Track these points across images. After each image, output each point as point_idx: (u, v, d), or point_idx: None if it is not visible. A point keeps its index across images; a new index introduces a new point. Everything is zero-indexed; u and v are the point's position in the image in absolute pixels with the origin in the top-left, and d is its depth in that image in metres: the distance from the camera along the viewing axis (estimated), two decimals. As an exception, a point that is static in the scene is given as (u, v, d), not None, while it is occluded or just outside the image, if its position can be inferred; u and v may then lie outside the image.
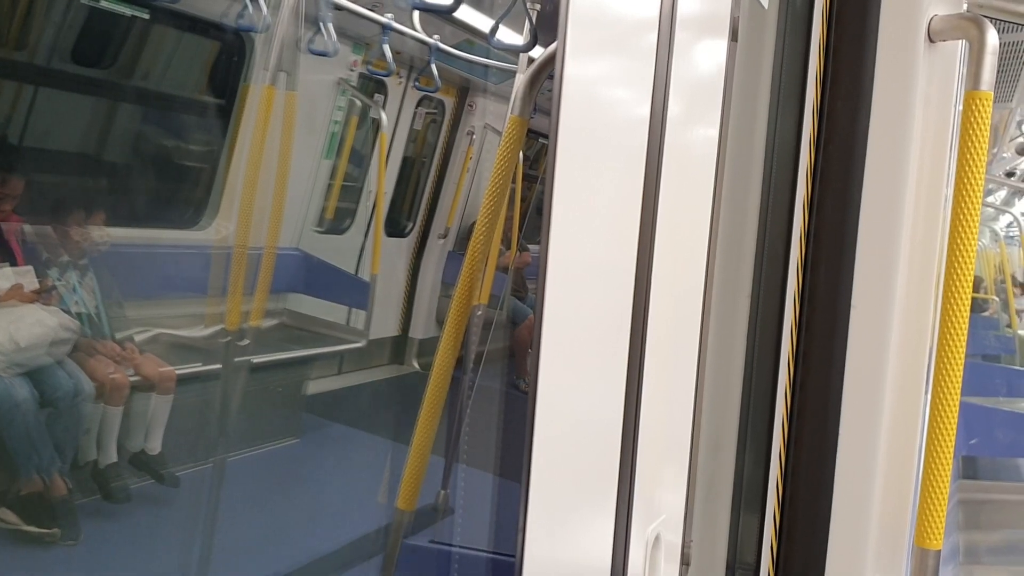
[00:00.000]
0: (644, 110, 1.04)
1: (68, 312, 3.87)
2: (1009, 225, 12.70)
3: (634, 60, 1.03)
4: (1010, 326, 9.70)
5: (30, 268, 3.81)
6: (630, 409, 1.04)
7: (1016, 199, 11.39)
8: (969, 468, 6.15)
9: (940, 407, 1.59)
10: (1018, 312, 9.86)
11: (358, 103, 6.16)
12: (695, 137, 1.27)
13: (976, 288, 10.78)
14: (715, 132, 1.34)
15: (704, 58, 1.26)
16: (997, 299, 10.83)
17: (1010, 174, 9.25)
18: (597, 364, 1.01)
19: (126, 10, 4.35)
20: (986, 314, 10.46)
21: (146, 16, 4.44)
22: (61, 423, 3.64)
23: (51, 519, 3.52)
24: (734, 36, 1.42)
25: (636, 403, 1.04)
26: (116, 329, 4.16)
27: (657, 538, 1.17)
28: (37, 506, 3.51)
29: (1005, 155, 7.94)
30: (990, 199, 10.64)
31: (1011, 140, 7.26)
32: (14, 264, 3.78)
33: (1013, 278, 11.03)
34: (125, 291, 4.27)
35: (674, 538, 1.30)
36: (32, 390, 3.52)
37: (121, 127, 4.78)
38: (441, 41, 5.92)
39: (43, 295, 3.76)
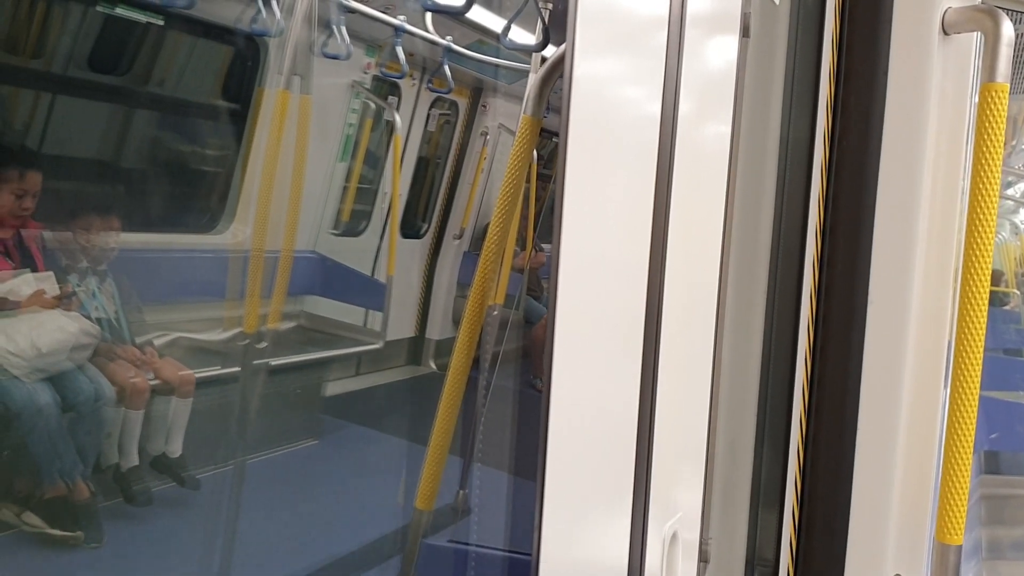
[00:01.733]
0: (655, 108, 1.04)
1: (88, 317, 3.90)
2: (1029, 218, 12.58)
3: (644, 58, 1.03)
4: (1031, 319, 9.61)
5: (50, 274, 3.84)
6: (645, 407, 1.04)
7: (1036, 191, 11.27)
8: (992, 463, 6.10)
9: (959, 401, 1.58)
10: (1039, 305, 9.76)
11: (372, 105, 6.18)
12: (707, 134, 1.27)
13: (997, 282, 10.68)
14: (727, 128, 1.34)
15: (715, 55, 1.26)
16: (1018, 292, 10.72)
17: (1029, 166, 9.16)
18: (611, 362, 1.01)
19: (141, 17, 4.38)
20: (1007, 308, 10.36)
21: (160, 22, 4.47)
22: (83, 427, 3.67)
23: (74, 522, 3.55)
24: (745, 32, 1.42)
25: (651, 401, 1.04)
26: (135, 334, 4.19)
27: (674, 536, 1.17)
28: (61, 510, 3.54)
29: (1024, 147, 7.86)
30: (1010, 192, 10.53)
31: (1030, 132, 7.19)
32: (35, 270, 3.82)
33: (1034, 271, 10.91)
34: (144, 296, 4.30)
35: (691, 536, 1.30)
36: (54, 395, 3.56)
37: (137, 133, 4.82)
38: (453, 42, 5.93)
39: (64, 301, 3.80)
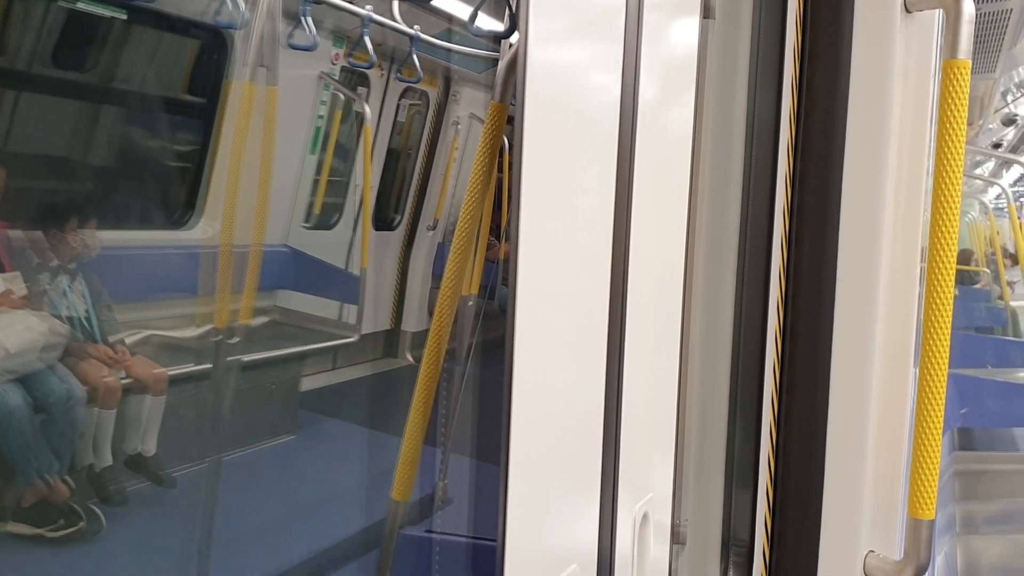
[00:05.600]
0: (614, 92, 1.03)
1: (58, 317, 3.85)
2: (998, 197, 12.74)
3: (602, 42, 1.02)
4: (1002, 298, 9.74)
5: (17, 274, 3.78)
6: (611, 389, 1.03)
7: (1003, 170, 11.41)
8: (965, 440, 6.18)
9: (928, 378, 1.59)
10: (1009, 283, 9.90)
11: (341, 97, 6.14)
12: (670, 116, 1.26)
13: (967, 261, 10.81)
14: (690, 111, 1.34)
15: (676, 37, 1.26)
16: (988, 271, 10.85)
17: (997, 145, 9.27)
18: (574, 346, 1.00)
19: (104, 11, 4.32)
20: (978, 286, 10.49)
21: (123, 17, 4.41)
22: (56, 428, 3.63)
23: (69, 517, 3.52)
24: (708, 13, 1.42)
25: (617, 384, 1.04)
26: (107, 332, 4.14)
27: (645, 516, 1.17)
28: (48, 510, 3.50)
29: (991, 126, 7.95)
30: (978, 171, 10.65)
31: (996, 111, 7.28)
32: (1, 271, 3.76)
33: (1003, 250, 11.06)
34: (114, 293, 4.25)
35: (663, 516, 1.30)
36: (25, 396, 3.51)
37: (104, 129, 4.75)
38: (421, 31, 5.90)
39: (32, 300, 3.75)
